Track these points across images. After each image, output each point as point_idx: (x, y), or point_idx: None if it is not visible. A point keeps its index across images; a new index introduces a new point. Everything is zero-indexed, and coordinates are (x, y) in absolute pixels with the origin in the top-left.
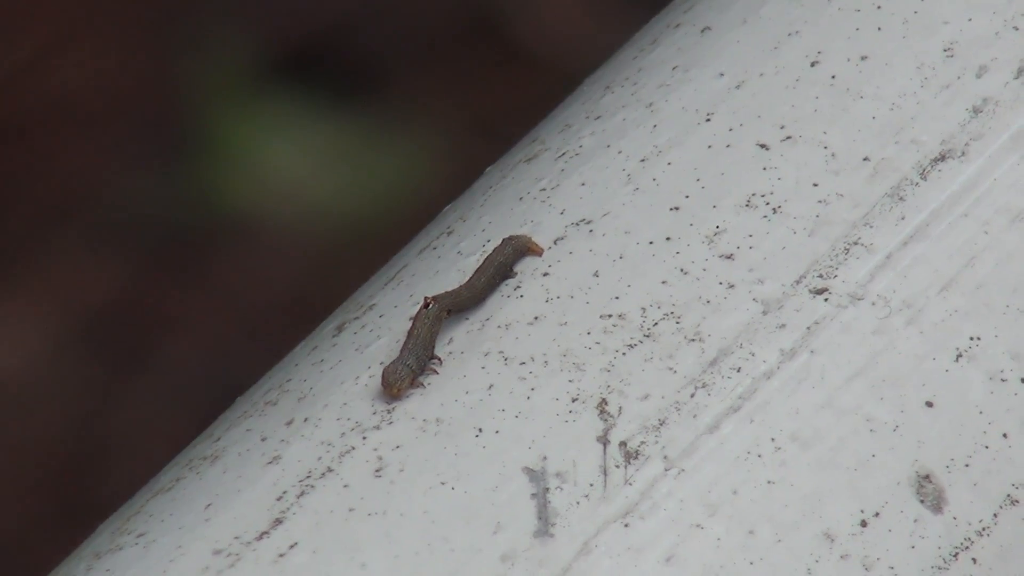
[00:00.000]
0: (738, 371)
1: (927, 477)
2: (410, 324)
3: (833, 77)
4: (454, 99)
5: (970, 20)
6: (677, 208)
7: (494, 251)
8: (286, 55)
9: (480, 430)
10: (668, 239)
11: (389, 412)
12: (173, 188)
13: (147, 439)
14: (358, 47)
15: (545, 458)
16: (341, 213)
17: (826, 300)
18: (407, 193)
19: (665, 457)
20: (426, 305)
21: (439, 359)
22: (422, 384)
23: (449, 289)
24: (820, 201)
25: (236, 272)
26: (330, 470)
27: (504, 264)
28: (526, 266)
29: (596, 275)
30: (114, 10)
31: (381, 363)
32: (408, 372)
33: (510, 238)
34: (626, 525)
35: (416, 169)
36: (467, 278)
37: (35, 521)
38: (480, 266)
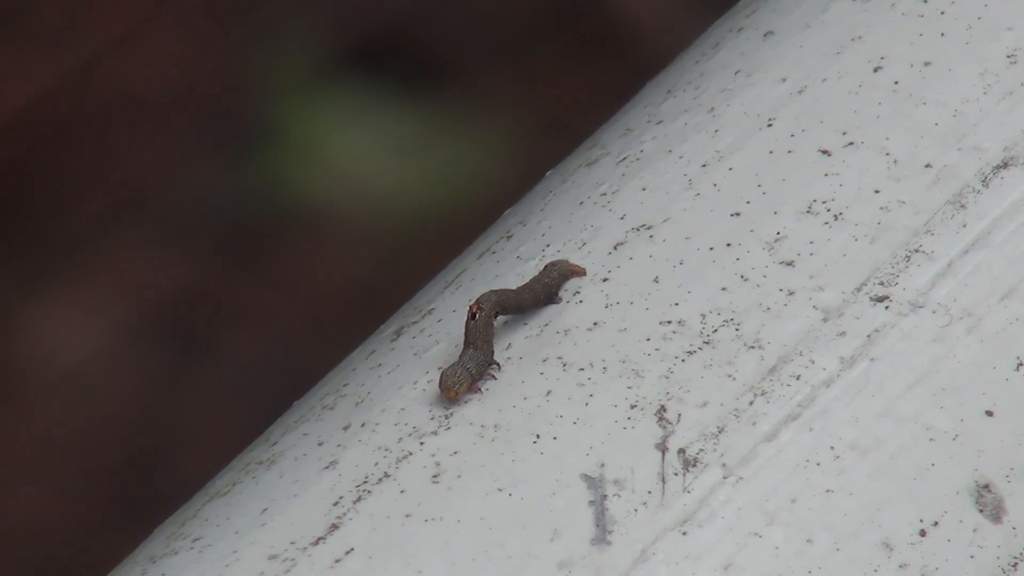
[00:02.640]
0: (797, 379)
1: (986, 486)
2: (464, 330)
3: (896, 83)
4: (526, 91)
5: None
6: (738, 214)
7: (537, 275)
8: (356, 46)
9: (538, 436)
10: (728, 245)
11: (447, 418)
12: (241, 180)
13: (212, 430)
14: (429, 38)
15: (603, 465)
16: (410, 206)
17: (886, 308)
18: (477, 186)
19: (723, 465)
20: (472, 316)
21: (498, 364)
22: (480, 389)
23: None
24: (881, 208)
25: (303, 264)
26: (387, 475)
27: (549, 287)
28: (587, 271)
29: (656, 281)
30: (184, 3)
31: (439, 368)
32: (467, 376)
33: (553, 263)
34: (684, 533)
35: (486, 162)
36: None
37: (101, 511)
38: (527, 284)
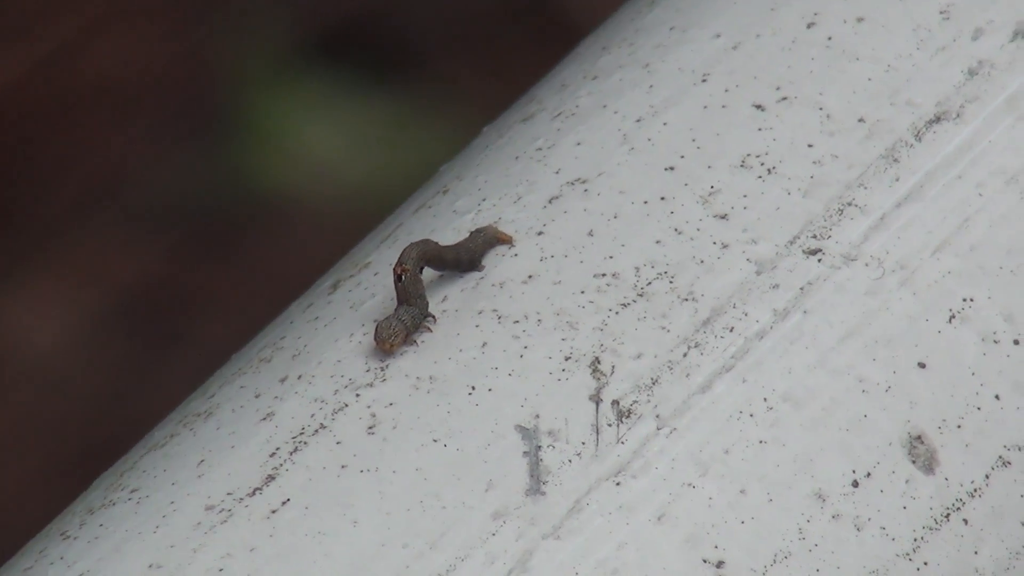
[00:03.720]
0: (731, 331)
1: (919, 438)
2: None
3: (829, 39)
4: (491, 79)
5: None
6: (672, 168)
7: (463, 241)
8: (322, 35)
9: (473, 388)
10: (663, 199)
11: (383, 370)
12: (210, 169)
13: None
14: (394, 27)
15: (538, 416)
16: (376, 193)
17: (819, 261)
18: None
19: (657, 416)
20: (398, 278)
21: (433, 317)
22: (415, 342)
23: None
24: (815, 162)
25: (271, 252)
26: (323, 427)
27: (473, 251)
28: (521, 225)
29: (590, 234)
30: None
31: (375, 320)
32: (402, 328)
33: (479, 229)
34: (618, 484)
35: (451, 150)
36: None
37: (69, 499)
38: (452, 245)
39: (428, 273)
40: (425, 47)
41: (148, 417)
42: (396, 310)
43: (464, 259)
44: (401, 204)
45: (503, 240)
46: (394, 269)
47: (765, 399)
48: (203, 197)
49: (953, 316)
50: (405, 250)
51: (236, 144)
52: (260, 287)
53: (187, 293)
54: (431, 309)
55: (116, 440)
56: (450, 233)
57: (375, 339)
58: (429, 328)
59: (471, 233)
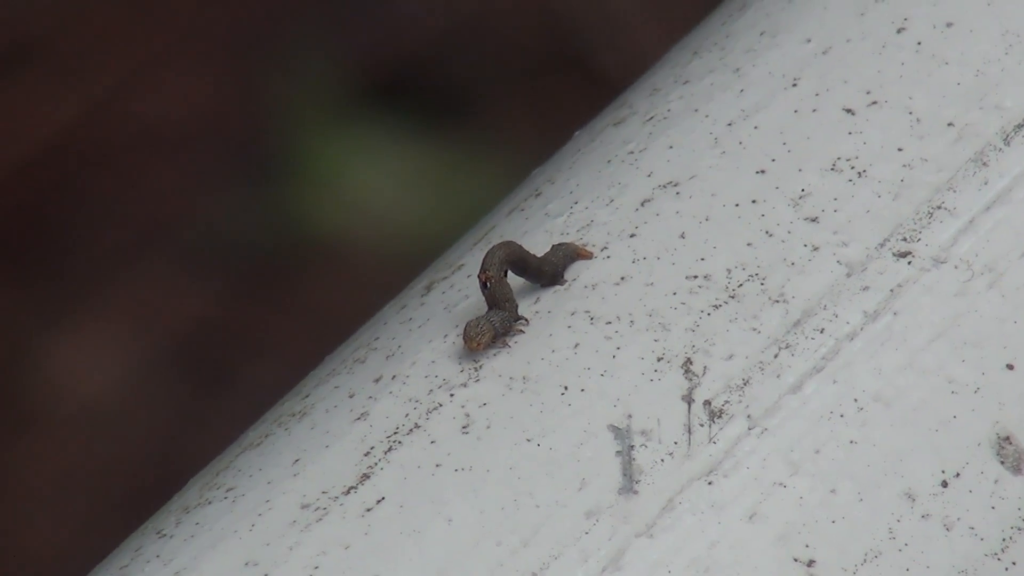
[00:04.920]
0: (821, 332)
1: (1007, 439)
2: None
3: (919, 43)
4: (539, 126)
5: None
6: (763, 171)
7: (545, 255)
8: (374, 79)
9: (566, 388)
10: (754, 202)
11: (476, 370)
12: (261, 211)
13: None
14: (446, 73)
15: (630, 416)
16: (427, 237)
17: (909, 263)
18: None
19: (749, 416)
20: (484, 285)
21: (526, 319)
22: (506, 343)
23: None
24: (904, 165)
25: (323, 295)
26: (417, 426)
27: (555, 266)
28: (613, 227)
29: (682, 236)
30: (204, 34)
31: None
32: (490, 327)
33: (559, 245)
34: (709, 483)
35: (500, 194)
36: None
37: (119, 541)
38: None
39: (516, 280)
40: (478, 91)
41: (199, 460)
42: (487, 313)
43: (547, 271)
44: (468, 229)
45: (583, 256)
46: (479, 276)
47: (855, 399)
48: (255, 240)
49: None
50: (487, 256)
51: (288, 187)
52: (311, 330)
53: (238, 336)
54: (523, 311)
55: (167, 483)
56: (542, 235)
57: (464, 338)
58: (521, 330)
59: (552, 247)
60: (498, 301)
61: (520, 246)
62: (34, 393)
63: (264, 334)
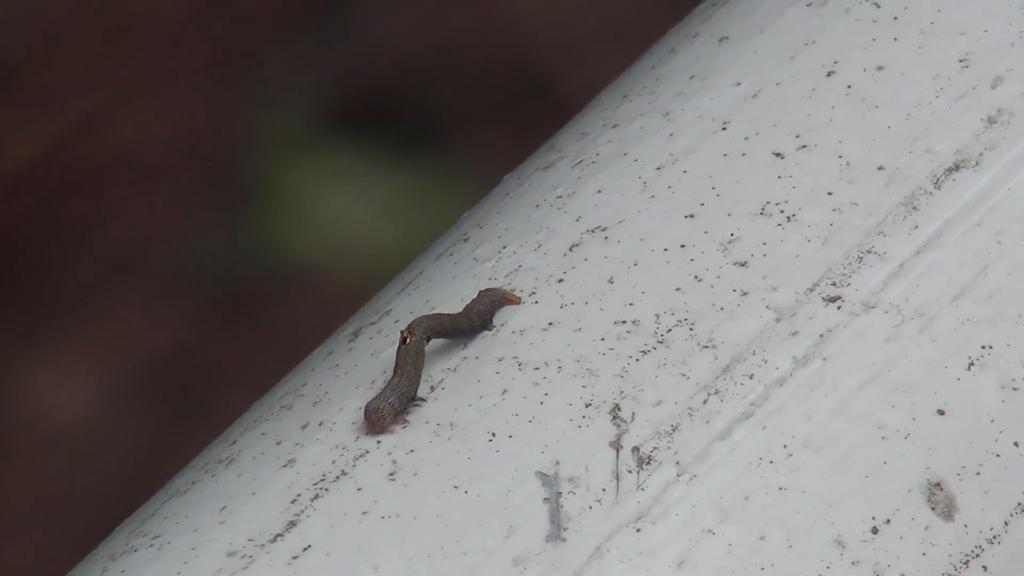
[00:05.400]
0: (751, 378)
1: (938, 485)
2: (395, 356)
3: (849, 87)
4: (512, 152)
5: (986, 31)
6: (692, 216)
7: (471, 302)
8: (347, 107)
9: (493, 434)
10: (683, 246)
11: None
12: (235, 239)
13: None
14: (421, 98)
15: (558, 463)
16: (400, 264)
17: (839, 308)
18: None
19: (678, 463)
20: (404, 340)
21: (422, 400)
22: (405, 421)
23: (431, 313)
24: (834, 209)
25: (295, 322)
26: (344, 473)
27: (483, 313)
28: (542, 272)
29: (611, 281)
30: (178, 63)
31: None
32: (389, 409)
33: (486, 290)
34: (638, 530)
35: None
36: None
37: None
38: (461, 312)
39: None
40: (451, 118)
41: None
42: (386, 385)
43: (476, 322)
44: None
45: (511, 300)
46: (401, 332)
47: (785, 445)
48: (226, 267)
49: (972, 363)
50: (417, 319)
51: (261, 214)
52: (283, 357)
53: (210, 363)
54: (450, 356)
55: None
56: (470, 280)
57: (365, 419)
58: (418, 406)
59: (479, 293)
60: (405, 366)
61: (448, 316)
62: (11, 417)
63: (235, 361)
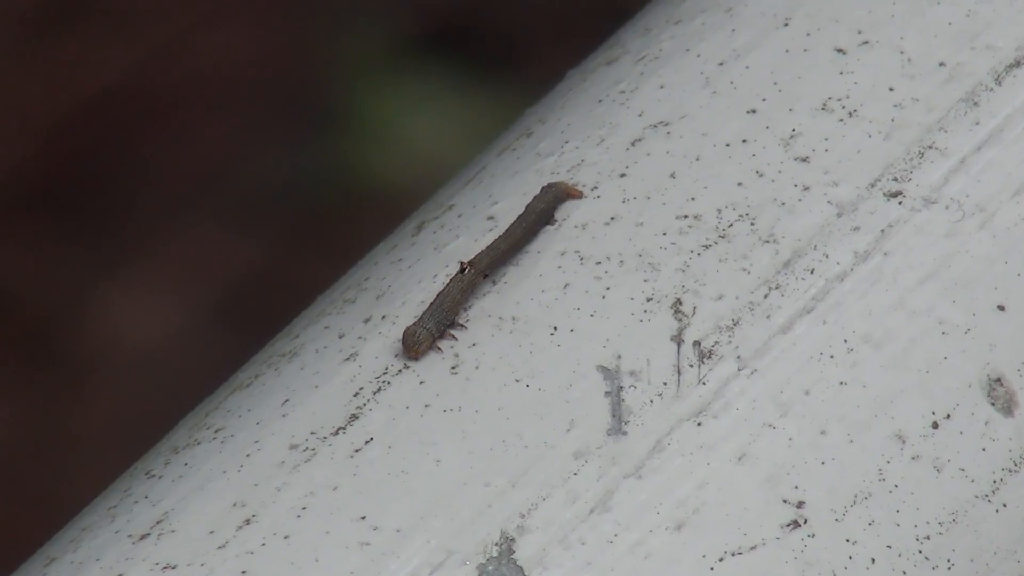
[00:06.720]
0: (812, 272)
1: (998, 380)
2: (444, 283)
3: None
4: None
5: None
6: (754, 111)
7: (534, 199)
8: (428, 30)
9: (555, 328)
10: (744, 141)
11: (466, 311)
12: (313, 162)
13: None
14: (500, 21)
15: (619, 357)
16: None
17: (900, 203)
18: None
19: (738, 357)
20: (462, 270)
21: (461, 326)
22: (440, 348)
23: (485, 246)
24: (896, 105)
25: (374, 244)
26: (406, 367)
27: (545, 211)
28: (604, 167)
29: (673, 176)
30: None
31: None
32: (427, 335)
33: (549, 185)
34: (699, 424)
35: None
36: (504, 228)
37: None
38: (521, 214)
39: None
40: (529, 40)
41: None
42: (423, 315)
43: (537, 222)
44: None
45: (573, 195)
46: (461, 261)
47: (845, 340)
48: (306, 191)
49: None
50: (479, 254)
51: (340, 138)
52: None
53: (290, 286)
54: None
55: None
56: (532, 175)
57: (402, 344)
58: (455, 336)
59: (542, 188)
60: (452, 294)
61: (506, 239)
62: (89, 341)
63: (315, 284)
